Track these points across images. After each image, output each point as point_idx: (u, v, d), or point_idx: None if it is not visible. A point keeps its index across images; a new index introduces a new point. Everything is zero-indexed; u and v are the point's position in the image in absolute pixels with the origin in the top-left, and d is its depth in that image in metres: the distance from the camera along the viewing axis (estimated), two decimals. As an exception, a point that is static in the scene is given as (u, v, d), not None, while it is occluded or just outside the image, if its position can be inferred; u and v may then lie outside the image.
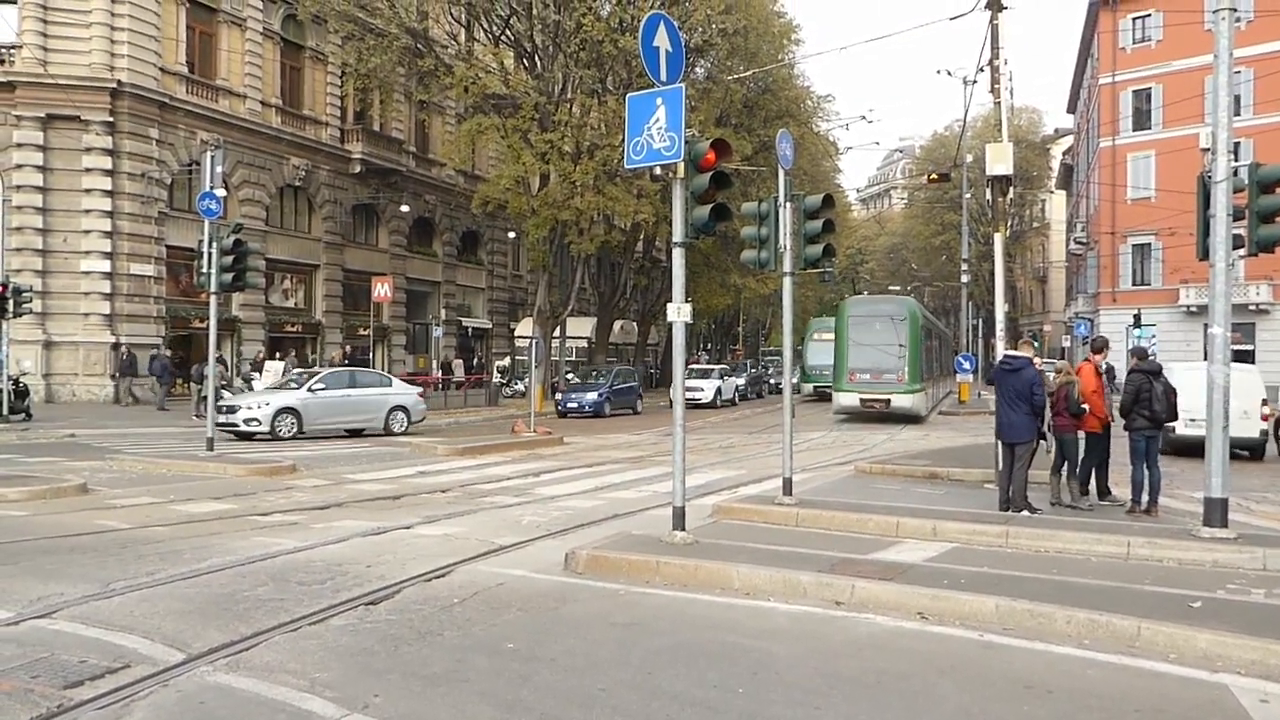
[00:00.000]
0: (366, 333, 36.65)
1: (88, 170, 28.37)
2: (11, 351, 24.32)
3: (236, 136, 32.45)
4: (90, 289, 28.40)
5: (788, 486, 11.56)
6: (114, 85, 28.38)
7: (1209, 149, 9.35)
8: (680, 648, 6.20)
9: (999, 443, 11.55)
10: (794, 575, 7.71)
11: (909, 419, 29.09)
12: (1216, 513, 9.17)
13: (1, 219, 27.93)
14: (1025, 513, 10.70)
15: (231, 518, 11.12)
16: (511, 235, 44.28)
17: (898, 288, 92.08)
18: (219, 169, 17.95)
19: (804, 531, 10.18)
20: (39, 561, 8.47)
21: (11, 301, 22.28)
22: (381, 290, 31.61)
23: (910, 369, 29.11)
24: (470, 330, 46.48)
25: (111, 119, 28.54)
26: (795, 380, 39.53)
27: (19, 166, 27.78)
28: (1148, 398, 11.15)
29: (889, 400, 29.03)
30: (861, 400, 29.48)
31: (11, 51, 28.14)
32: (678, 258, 9.25)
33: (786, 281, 11.86)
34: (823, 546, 9.08)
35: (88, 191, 28.36)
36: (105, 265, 28.49)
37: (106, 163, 28.47)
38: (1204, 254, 9.55)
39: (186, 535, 9.85)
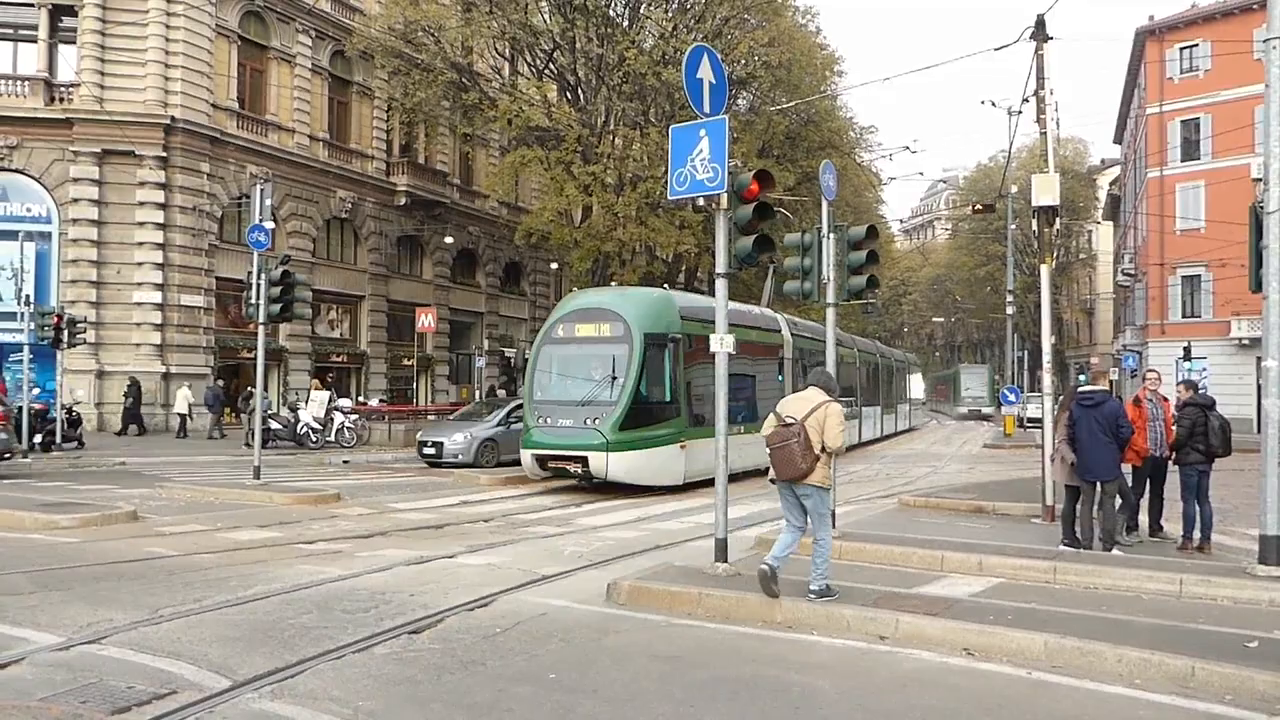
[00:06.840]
0: (410, 363, 37.03)
1: (141, 204, 28.99)
2: (65, 380, 24.84)
3: (285, 170, 33.05)
4: (142, 319, 28.93)
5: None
6: (167, 121, 29.04)
7: (1261, 179, 9.23)
8: (722, 681, 6.15)
9: (1061, 481, 11.37)
10: (837, 609, 7.63)
11: (987, 419, 54.69)
12: (1273, 550, 8.91)
13: (58, 251, 28.69)
14: (1116, 550, 10.47)
15: (277, 546, 11.22)
16: (554, 266, 44.49)
17: (941, 319, 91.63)
18: (268, 202, 18.24)
19: (847, 564, 10.06)
20: (90, 587, 8.60)
21: (66, 332, 22.74)
22: (426, 321, 31.87)
23: (990, 395, 57.33)
24: (513, 360, 46.72)
25: (165, 154, 29.18)
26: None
27: (75, 200, 28.46)
28: (1203, 432, 10.94)
29: (980, 410, 57.58)
30: (969, 410, 58.41)
31: (70, 90, 28.95)
32: (720, 288, 9.22)
33: (829, 312, 11.85)
34: (866, 580, 8.97)
35: (141, 224, 28.97)
36: (157, 296, 29.03)
37: (159, 196, 29.09)
38: (1257, 286, 9.39)
39: (233, 563, 9.96)
